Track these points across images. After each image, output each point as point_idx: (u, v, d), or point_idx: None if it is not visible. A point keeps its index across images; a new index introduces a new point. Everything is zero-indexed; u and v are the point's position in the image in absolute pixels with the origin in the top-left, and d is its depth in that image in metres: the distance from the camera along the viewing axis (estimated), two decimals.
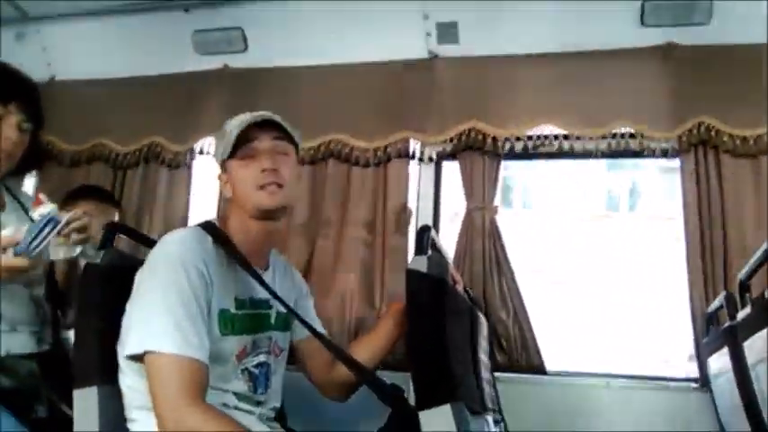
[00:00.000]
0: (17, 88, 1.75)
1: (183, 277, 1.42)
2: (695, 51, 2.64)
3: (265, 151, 1.57)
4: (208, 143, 3.13)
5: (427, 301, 1.56)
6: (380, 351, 1.79)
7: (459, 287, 1.81)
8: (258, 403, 1.59)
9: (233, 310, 1.53)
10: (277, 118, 1.59)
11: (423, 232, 1.67)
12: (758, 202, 2.49)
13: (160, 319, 1.38)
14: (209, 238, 1.52)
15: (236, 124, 1.57)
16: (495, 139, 2.78)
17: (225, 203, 1.70)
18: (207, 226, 1.56)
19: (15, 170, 1.86)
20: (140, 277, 1.49)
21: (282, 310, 1.66)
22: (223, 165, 1.63)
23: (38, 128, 1.83)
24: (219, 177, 1.67)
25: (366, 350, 1.78)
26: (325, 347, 1.65)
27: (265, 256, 1.67)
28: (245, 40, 3.02)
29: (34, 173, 2.18)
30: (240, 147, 1.57)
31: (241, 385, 1.55)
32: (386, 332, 1.79)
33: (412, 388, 1.50)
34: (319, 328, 1.79)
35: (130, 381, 1.48)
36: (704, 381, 2.43)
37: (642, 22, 2.62)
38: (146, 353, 1.37)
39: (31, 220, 1.83)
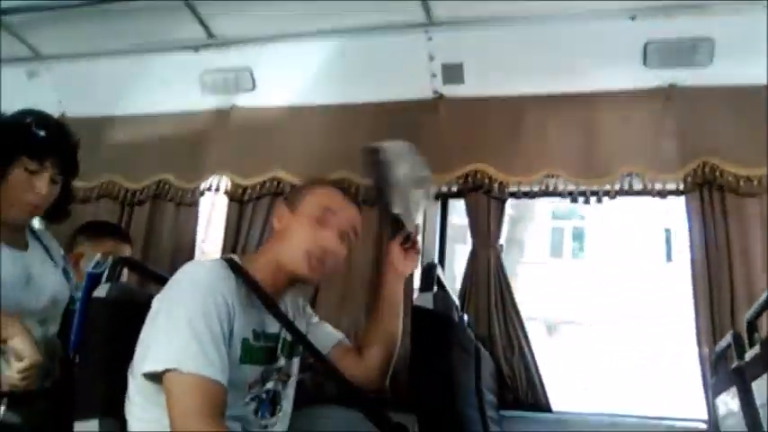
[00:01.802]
0: (56, 144, 1.79)
1: (210, 300, 1.43)
2: (698, 92, 2.67)
3: (340, 232, 1.64)
4: (215, 180, 3.16)
5: (433, 339, 1.57)
6: (392, 317, 1.79)
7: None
8: (265, 427, 1.60)
9: (252, 341, 1.54)
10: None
11: (429, 269, 1.68)
12: (764, 241, 2.48)
13: (183, 338, 1.37)
14: (231, 272, 1.53)
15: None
16: (501, 182, 2.79)
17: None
18: (228, 260, 1.58)
19: (44, 216, 1.91)
20: (161, 300, 1.48)
21: (288, 338, 1.68)
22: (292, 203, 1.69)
23: (68, 180, 1.87)
24: (280, 208, 1.70)
25: (379, 326, 1.79)
26: (328, 376, 1.65)
27: (280, 297, 1.69)
28: (253, 80, 3.07)
29: None
30: (324, 207, 1.63)
31: (249, 412, 1.56)
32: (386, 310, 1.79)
33: (417, 428, 1.49)
34: (336, 334, 1.85)
35: (139, 410, 1.47)
36: (713, 422, 2.40)
37: (645, 64, 2.65)
38: (166, 371, 1.36)
39: (53, 261, 1.87)
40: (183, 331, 1.38)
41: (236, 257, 1.62)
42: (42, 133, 1.78)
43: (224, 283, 1.48)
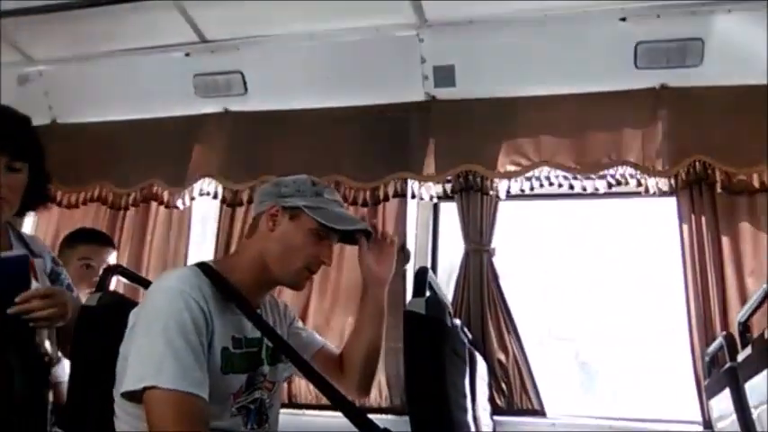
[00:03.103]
0: None
1: (185, 312, 1.38)
2: (689, 92, 2.68)
3: (330, 250, 1.62)
4: (207, 184, 3.15)
5: (426, 344, 1.56)
6: (372, 328, 1.73)
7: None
8: None
9: (232, 349, 1.50)
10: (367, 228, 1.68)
11: (421, 274, 1.67)
12: (755, 240, 2.49)
13: (160, 353, 1.34)
14: (206, 278, 1.50)
15: (337, 213, 1.61)
16: (492, 181, 2.80)
17: (250, 234, 1.64)
18: (202, 266, 1.54)
19: (21, 208, 1.80)
20: (138, 314, 1.44)
21: (271, 344, 1.63)
22: (292, 209, 1.60)
23: (34, 162, 1.76)
24: (275, 212, 1.60)
25: (360, 337, 1.75)
26: (309, 380, 1.61)
27: (259, 300, 1.65)
28: (244, 83, 3.06)
29: (32, 214, 2.15)
30: (322, 225, 1.58)
31: (238, 424, 1.52)
32: (367, 304, 1.73)
33: None
34: (318, 340, 1.81)
35: (127, 425, 1.44)
36: (707, 423, 2.40)
37: (636, 65, 2.66)
38: (145, 389, 1.32)
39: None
40: (158, 346, 1.34)
41: (210, 263, 1.57)
42: None
43: (198, 292, 1.43)
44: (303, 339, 1.78)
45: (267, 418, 1.61)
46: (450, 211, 2.88)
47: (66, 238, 2.53)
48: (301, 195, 1.61)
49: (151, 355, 1.35)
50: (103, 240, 2.56)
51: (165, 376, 1.32)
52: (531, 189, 2.82)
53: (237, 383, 1.52)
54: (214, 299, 1.47)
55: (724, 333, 2.16)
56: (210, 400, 1.38)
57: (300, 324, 1.85)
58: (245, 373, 1.54)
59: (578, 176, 2.75)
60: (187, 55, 3.06)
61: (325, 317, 2.79)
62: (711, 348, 2.30)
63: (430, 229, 2.93)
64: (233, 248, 2.98)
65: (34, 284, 1.66)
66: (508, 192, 2.82)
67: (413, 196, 2.91)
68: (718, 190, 2.58)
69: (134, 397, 1.35)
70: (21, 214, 1.90)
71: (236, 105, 3.18)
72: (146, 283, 2.05)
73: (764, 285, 1.88)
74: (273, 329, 1.59)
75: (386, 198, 2.89)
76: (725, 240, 2.53)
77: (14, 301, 1.58)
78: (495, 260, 2.76)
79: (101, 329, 1.60)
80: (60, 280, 1.91)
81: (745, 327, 2.10)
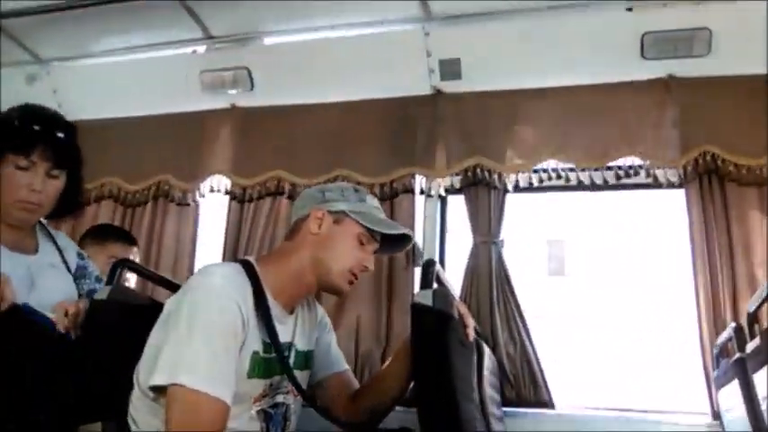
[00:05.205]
0: (41, 137, 1.69)
1: (225, 313, 1.39)
2: (696, 83, 2.66)
3: (372, 256, 1.66)
4: (216, 181, 3.17)
5: (432, 335, 1.56)
6: (394, 392, 1.72)
7: (470, 329, 1.71)
8: None
9: (261, 354, 1.50)
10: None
11: (428, 266, 1.67)
12: (765, 231, 2.48)
13: (194, 352, 1.34)
14: (247, 278, 1.50)
15: (381, 219, 1.67)
16: (500, 173, 2.79)
17: (294, 234, 1.65)
18: (245, 265, 1.54)
19: (54, 213, 1.82)
20: (178, 304, 1.43)
21: (301, 348, 1.65)
22: (337, 214, 1.63)
23: (73, 169, 1.77)
24: (321, 215, 1.63)
25: (378, 392, 1.75)
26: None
27: (296, 303, 1.65)
28: (251, 79, 3.07)
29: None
30: (366, 229, 1.62)
31: (255, 426, 1.52)
32: (398, 373, 1.71)
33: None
34: (342, 363, 1.81)
35: (142, 417, 1.45)
36: (716, 414, 2.39)
37: (643, 55, 2.64)
38: (172, 385, 1.32)
39: (65, 263, 1.81)
40: (193, 345, 1.34)
41: (252, 261, 1.57)
42: (25, 127, 1.68)
43: (240, 293, 1.43)
44: (330, 356, 1.78)
45: (290, 424, 1.61)
46: (457, 203, 2.88)
47: (91, 232, 2.54)
48: (345, 200, 1.65)
49: (184, 353, 1.35)
50: (131, 240, 2.61)
51: (196, 376, 1.32)
52: (540, 181, 2.81)
53: (260, 387, 1.52)
54: (252, 301, 1.47)
55: (733, 324, 2.15)
56: (232, 402, 1.38)
57: (335, 340, 1.84)
58: (269, 378, 1.54)
59: (586, 169, 2.74)
60: (193, 51, 3.07)
61: (334, 311, 2.79)
62: (720, 339, 2.30)
63: (437, 222, 2.92)
64: (244, 246, 2.99)
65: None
66: (516, 185, 2.81)
67: (422, 192, 2.91)
68: (728, 180, 2.56)
69: (159, 389, 1.36)
70: (53, 218, 1.89)
71: (244, 101, 3.18)
72: (154, 278, 2.07)
73: None
74: (286, 357, 1.56)
75: (395, 194, 2.89)
76: (734, 231, 2.51)
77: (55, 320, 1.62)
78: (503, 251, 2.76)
79: (111, 322, 1.62)
80: (88, 273, 1.91)
81: (754, 317, 2.09)
